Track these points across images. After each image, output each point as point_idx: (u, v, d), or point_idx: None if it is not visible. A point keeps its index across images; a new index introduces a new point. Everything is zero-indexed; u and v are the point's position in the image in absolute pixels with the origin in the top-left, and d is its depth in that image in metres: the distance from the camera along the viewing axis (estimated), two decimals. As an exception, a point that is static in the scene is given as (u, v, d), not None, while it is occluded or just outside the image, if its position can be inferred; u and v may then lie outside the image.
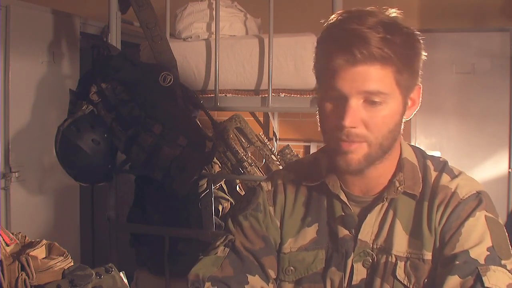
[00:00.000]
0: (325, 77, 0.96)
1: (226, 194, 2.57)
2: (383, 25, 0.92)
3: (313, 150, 3.44)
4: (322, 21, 1.00)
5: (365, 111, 0.94)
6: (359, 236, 1.04)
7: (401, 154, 1.06)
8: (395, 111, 0.96)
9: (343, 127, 0.93)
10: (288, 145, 2.50)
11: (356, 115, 0.93)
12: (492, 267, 0.94)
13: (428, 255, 1.00)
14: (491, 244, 0.96)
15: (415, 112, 1.04)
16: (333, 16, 0.98)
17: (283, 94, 2.29)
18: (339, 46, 0.92)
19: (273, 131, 3.27)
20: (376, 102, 0.93)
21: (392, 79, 0.94)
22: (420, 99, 1.03)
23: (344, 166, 0.97)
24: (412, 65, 0.96)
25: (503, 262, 0.95)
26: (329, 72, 0.94)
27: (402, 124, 1.01)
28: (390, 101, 0.95)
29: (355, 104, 0.93)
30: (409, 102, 1.01)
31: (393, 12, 0.97)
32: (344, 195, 1.07)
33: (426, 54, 0.99)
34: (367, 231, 1.05)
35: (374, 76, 0.92)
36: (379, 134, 0.95)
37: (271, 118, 3.23)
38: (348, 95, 0.93)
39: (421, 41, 0.98)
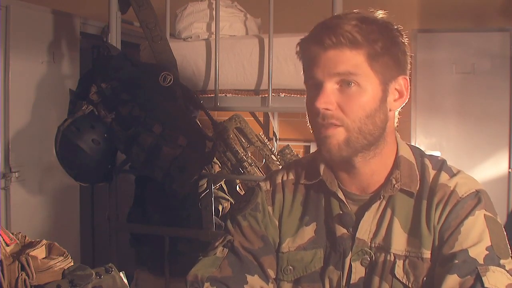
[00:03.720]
0: (305, 70, 1.03)
1: (226, 194, 2.57)
2: (359, 18, 0.97)
3: (313, 150, 3.42)
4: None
5: (340, 94, 0.97)
6: (357, 235, 1.05)
7: (397, 152, 1.06)
8: (371, 95, 0.98)
9: (318, 110, 0.96)
10: (288, 145, 2.50)
11: (329, 96, 0.96)
12: (491, 267, 0.94)
13: (427, 254, 1.00)
14: (490, 244, 0.96)
15: (404, 104, 1.04)
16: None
17: (283, 94, 2.29)
18: (312, 37, 0.99)
19: (273, 131, 3.27)
20: (350, 83, 0.96)
21: (364, 62, 0.96)
22: (409, 91, 1.04)
23: (326, 154, 0.99)
24: (388, 53, 0.98)
25: (501, 261, 0.95)
26: (306, 63, 1.02)
27: (397, 118, 1.03)
28: (364, 83, 0.97)
29: (330, 87, 0.97)
30: (396, 94, 1.02)
31: (379, 14, 1.01)
32: (341, 193, 1.07)
33: (409, 51, 1.02)
34: (365, 229, 1.05)
35: (344, 59, 0.96)
36: (355, 118, 0.97)
37: (271, 118, 3.23)
38: (322, 79, 0.97)
39: (403, 34, 1.01)
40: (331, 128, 0.97)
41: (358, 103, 0.97)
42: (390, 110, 1.02)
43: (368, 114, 0.97)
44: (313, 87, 0.99)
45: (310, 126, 1.03)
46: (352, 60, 0.95)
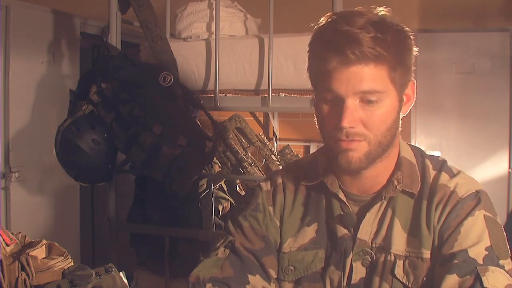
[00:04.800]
0: (320, 80, 0.97)
1: (226, 194, 2.57)
2: (373, 24, 0.93)
3: (313, 150, 3.43)
4: (312, 24, 1.01)
5: (363, 110, 0.95)
6: (358, 235, 1.05)
7: (399, 153, 1.06)
8: (391, 108, 0.97)
9: (342, 128, 0.94)
10: (288, 145, 2.50)
11: (353, 115, 0.94)
12: (491, 267, 0.94)
13: (426, 254, 1.01)
14: (489, 244, 0.96)
15: (411, 107, 1.04)
16: (322, 18, 0.99)
17: (283, 94, 2.29)
18: (331, 48, 0.93)
19: (273, 131, 3.27)
20: (372, 101, 0.94)
21: (386, 77, 0.94)
22: (415, 94, 1.04)
23: (345, 165, 0.98)
24: (404, 61, 0.97)
25: (501, 262, 0.95)
26: (323, 75, 0.95)
27: (400, 121, 1.02)
28: (385, 98, 0.95)
29: (352, 104, 0.94)
30: (404, 98, 1.01)
31: (381, 11, 0.98)
32: (342, 194, 1.07)
33: (417, 49, 1.00)
34: (366, 230, 1.05)
35: (369, 76, 0.93)
36: (378, 132, 0.96)
37: (271, 118, 3.23)
38: (344, 96, 0.94)
39: (412, 37, 0.99)
40: (353, 143, 0.96)
41: (380, 118, 0.96)
42: None
43: (389, 127, 0.97)
44: (331, 101, 0.96)
45: (322, 135, 1.01)
46: (376, 76, 0.93)
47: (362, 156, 0.97)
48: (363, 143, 0.96)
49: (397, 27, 0.96)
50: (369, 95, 0.94)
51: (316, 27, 1.00)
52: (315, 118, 1.02)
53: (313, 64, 1.00)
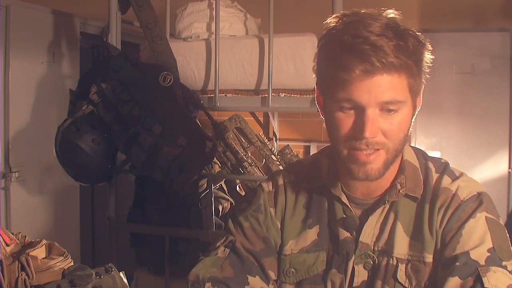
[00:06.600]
0: (338, 88, 0.93)
1: (226, 194, 2.57)
2: (392, 30, 0.90)
3: (313, 150, 3.43)
4: (325, 24, 0.97)
5: (382, 120, 0.93)
6: (360, 238, 1.04)
7: (402, 156, 1.06)
8: (408, 116, 0.96)
9: (363, 138, 0.92)
10: (288, 145, 2.50)
11: (374, 125, 0.92)
12: (493, 267, 0.93)
13: (429, 258, 1.00)
14: (491, 245, 0.96)
15: (417, 112, 1.03)
16: (331, 19, 0.96)
17: (283, 94, 2.29)
18: (354, 55, 0.89)
19: (273, 131, 3.27)
20: (392, 110, 0.93)
21: (406, 86, 0.93)
22: (421, 98, 1.03)
23: (363, 177, 0.97)
24: (422, 70, 0.96)
25: (503, 263, 0.95)
26: (343, 83, 0.91)
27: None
28: (404, 107, 0.94)
29: (373, 114, 0.92)
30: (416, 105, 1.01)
31: (390, 13, 0.96)
32: (345, 197, 1.06)
33: (432, 56, 0.97)
34: (368, 233, 1.04)
35: (391, 85, 0.91)
36: (396, 141, 0.95)
37: (271, 118, 3.23)
38: (366, 106, 0.91)
39: (425, 43, 0.96)
40: (373, 154, 0.95)
41: (399, 126, 0.94)
42: None
43: (406, 134, 0.97)
44: (348, 109, 0.93)
45: (335, 143, 0.98)
46: (397, 86, 0.91)
47: (381, 166, 0.96)
48: (381, 151, 0.95)
49: (414, 34, 0.94)
50: (390, 105, 0.92)
51: (328, 28, 0.96)
52: (325, 124, 1.00)
53: (328, 70, 0.95)
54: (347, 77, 0.90)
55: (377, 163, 0.95)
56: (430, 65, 0.97)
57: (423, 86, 1.00)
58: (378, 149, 0.94)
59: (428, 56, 0.97)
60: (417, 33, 0.96)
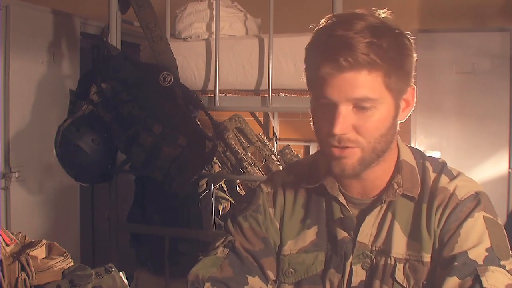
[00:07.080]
0: (315, 84, 0.96)
1: (226, 194, 2.57)
2: (371, 29, 0.91)
3: (313, 150, 3.44)
4: (312, 26, 0.99)
5: (356, 117, 0.94)
6: (358, 238, 1.05)
7: (399, 156, 1.06)
8: (386, 115, 0.96)
9: (334, 134, 0.93)
10: (288, 145, 2.50)
11: (346, 121, 0.93)
12: (491, 267, 0.94)
13: (427, 257, 1.00)
14: (489, 245, 0.96)
15: (410, 113, 1.03)
16: (322, 20, 0.98)
17: (283, 94, 2.29)
18: (325, 53, 0.92)
19: (273, 131, 3.27)
20: (366, 108, 0.93)
21: (380, 83, 0.93)
22: (415, 99, 1.02)
23: (339, 172, 0.98)
24: (402, 67, 0.95)
25: (502, 262, 0.95)
26: (318, 80, 0.94)
27: (398, 126, 1.01)
28: (380, 105, 0.94)
29: (345, 110, 0.93)
30: (403, 104, 1.00)
31: (382, 13, 0.96)
32: (342, 197, 1.07)
33: (416, 54, 0.97)
34: (366, 233, 1.05)
35: (362, 83, 0.91)
36: (371, 139, 0.95)
37: (271, 118, 3.23)
38: (337, 102, 0.93)
39: (412, 41, 0.97)
40: (347, 150, 0.95)
41: (374, 124, 0.94)
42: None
43: (383, 134, 0.96)
44: (325, 107, 0.95)
45: (317, 139, 1.00)
46: (370, 83, 0.91)
47: (356, 162, 0.96)
48: (356, 149, 0.95)
49: (396, 31, 0.94)
50: (362, 102, 0.92)
51: (315, 29, 0.98)
52: (311, 122, 1.01)
53: (308, 68, 0.99)
54: (320, 75, 0.93)
55: (352, 158, 0.96)
56: (414, 65, 0.97)
57: (413, 86, 1.00)
58: (352, 147, 0.95)
59: (413, 56, 0.96)
60: (403, 32, 0.96)
